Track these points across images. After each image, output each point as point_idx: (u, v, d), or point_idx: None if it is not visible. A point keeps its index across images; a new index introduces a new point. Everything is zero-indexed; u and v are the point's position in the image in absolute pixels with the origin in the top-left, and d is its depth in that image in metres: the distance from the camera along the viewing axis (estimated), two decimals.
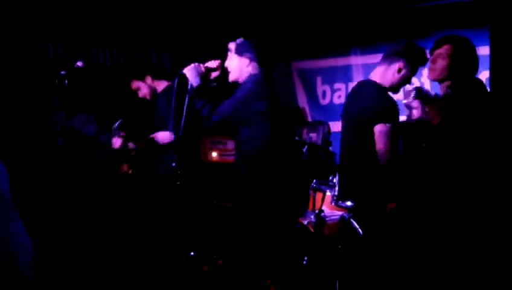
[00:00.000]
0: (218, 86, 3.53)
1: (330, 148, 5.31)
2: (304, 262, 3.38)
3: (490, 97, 3.32)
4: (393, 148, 3.24)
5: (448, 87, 2.99)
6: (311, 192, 3.73)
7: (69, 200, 4.34)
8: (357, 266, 3.39)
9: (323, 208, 4.06)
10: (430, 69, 3.06)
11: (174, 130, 3.47)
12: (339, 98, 5.87)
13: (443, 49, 2.99)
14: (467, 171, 2.84)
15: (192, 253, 4.13)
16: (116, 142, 4.52)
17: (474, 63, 3.02)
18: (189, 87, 3.39)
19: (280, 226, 3.48)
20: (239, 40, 3.50)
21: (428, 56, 3.27)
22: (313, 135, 5.32)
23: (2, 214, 2.18)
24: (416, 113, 4.10)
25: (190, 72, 3.40)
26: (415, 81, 5.07)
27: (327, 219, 4.08)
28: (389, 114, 3.26)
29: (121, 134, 4.52)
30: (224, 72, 3.52)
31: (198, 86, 3.38)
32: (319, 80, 6.07)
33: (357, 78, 5.62)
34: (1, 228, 2.16)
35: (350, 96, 3.60)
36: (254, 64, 3.47)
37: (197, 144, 5.27)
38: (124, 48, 5.56)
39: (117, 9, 5.32)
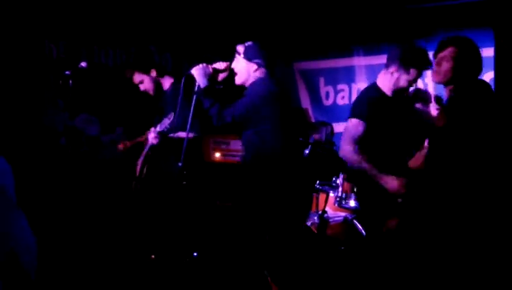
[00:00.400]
0: (225, 88, 3.51)
1: (333, 148, 5.30)
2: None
3: (495, 99, 3.31)
4: (349, 143, 3.38)
5: (452, 89, 2.98)
6: (314, 193, 3.74)
7: (71, 199, 4.34)
8: (360, 266, 3.39)
9: (327, 209, 4.07)
10: (435, 72, 3.05)
11: (191, 130, 3.44)
12: (342, 99, 5.86)
13: (447, 52, 2.97)
14: (472, 173, 2.83)
15: (195, 253, 4.13)
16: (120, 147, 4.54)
17: (478, 64, 3.01)
18: (196, 88, 3.38)
19: (286, 226, 3.47)
20: (248, 44, 3.45)
21: (430, 58, 3.27)
22: (316, 136, 5.31)
23: (6, 211, 2.17)
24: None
25: (198, 72, 3.37)
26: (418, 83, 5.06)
27: (330, 220, 4.09)
28: (352, 110, 3.47)
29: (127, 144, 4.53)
30: (232, 74, 3.49)
31: (206, 87, 3.36)
32: (321, 80, 6.07)
33: (360, 79, 5.62)
34: (5, 225, 2.15)
35: None
36: (262, 69, 3.45)
37: (200, 144, 5.26)
38: (126, 48, 5.55)
39: (118, 9, 5.32)
